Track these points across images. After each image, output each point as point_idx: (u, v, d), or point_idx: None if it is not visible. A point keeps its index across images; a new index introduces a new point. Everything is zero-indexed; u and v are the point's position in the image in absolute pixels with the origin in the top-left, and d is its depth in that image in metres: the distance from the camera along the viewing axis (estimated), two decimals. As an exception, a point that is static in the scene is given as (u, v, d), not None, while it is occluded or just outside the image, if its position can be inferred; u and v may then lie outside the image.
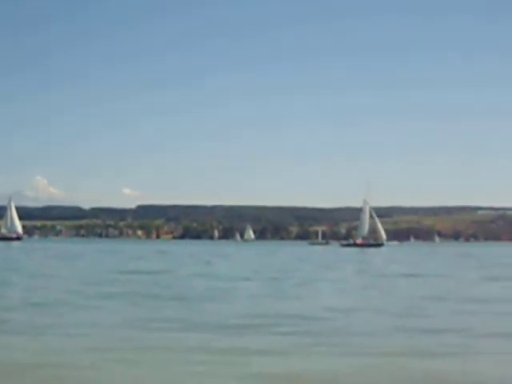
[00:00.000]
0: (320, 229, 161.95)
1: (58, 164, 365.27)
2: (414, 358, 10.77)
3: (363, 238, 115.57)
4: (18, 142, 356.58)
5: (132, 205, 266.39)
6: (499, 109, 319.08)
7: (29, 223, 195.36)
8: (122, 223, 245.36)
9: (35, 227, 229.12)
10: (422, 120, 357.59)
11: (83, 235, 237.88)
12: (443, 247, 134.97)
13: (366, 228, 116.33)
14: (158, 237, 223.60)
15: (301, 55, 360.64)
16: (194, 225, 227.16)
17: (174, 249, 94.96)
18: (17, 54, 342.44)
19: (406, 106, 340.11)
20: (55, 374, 9.29)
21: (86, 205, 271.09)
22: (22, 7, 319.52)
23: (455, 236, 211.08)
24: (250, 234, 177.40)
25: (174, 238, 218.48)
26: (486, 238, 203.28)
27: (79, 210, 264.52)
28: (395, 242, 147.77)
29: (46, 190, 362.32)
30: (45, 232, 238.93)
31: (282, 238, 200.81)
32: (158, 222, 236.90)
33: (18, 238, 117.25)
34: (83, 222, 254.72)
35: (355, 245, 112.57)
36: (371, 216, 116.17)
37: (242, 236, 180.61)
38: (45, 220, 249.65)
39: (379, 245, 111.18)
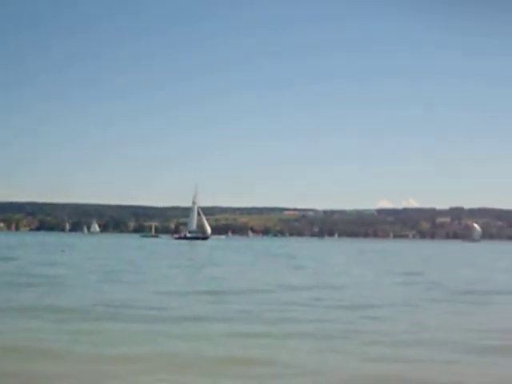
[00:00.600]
0: (153, 224, 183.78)
1: None
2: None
3: (192, 231, 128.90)
4: None
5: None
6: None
7: None
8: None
9: None
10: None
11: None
12: (257, 241, 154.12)
13: (194, 224, 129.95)
14: (17, 229, 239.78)
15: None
16: (49, 219, 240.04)
17: (29, 239, 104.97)
18: None
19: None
20: None
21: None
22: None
23: (265, 232, 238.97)
24: (96, 227, 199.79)
25: (31, 229, 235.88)
26: (291, 234, 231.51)
27: None
28: (220, 236, 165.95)
29: None
30: None
31: (121, 231, 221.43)
32: (18, 216, 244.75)
33: None
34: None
35: (185, 238, 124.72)
36: (198, 214, 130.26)
37: (88, 229, 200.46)
38: None
39: (205, 238, 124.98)
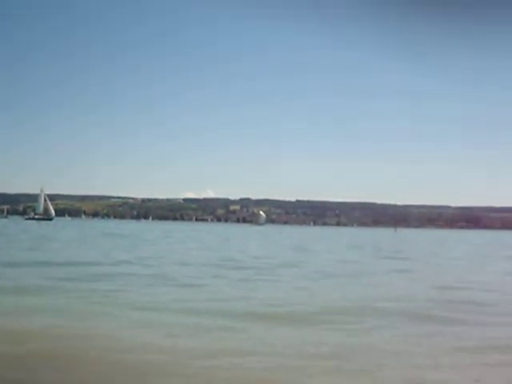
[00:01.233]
0: (5, 207, 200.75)
1: None
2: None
3: (39, 214, 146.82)
4: None
5: None
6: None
7: None
8: None
9: None
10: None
11: None
12: (89, 221, 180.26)
13: (41, 207, 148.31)
14: None
15: None
16: None
17: None
18: None
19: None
20: None
21: None
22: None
23: (95, 215, 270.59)
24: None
25: None
26: (115, 217, 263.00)
27: None
28: (66, 218, 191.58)
29: None
30: None
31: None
32: None
33: None
34: None
35: (34, 219, 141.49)
36: (45, 199, 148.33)
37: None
38: None
39: (50, 219, 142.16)
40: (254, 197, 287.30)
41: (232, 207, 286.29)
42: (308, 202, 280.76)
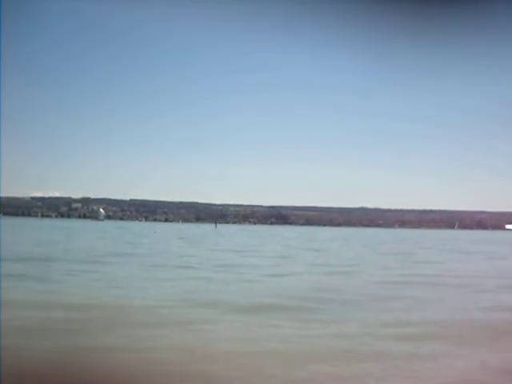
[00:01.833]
0: None
1: None
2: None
3: None
4: None
5: None
6: None
7: None
8: None
9: None
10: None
11: None
12: None
13: None
14: None
15: None
16: None
17: None
18: None
19: None
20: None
21: None
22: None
23: None
24: None
25: None
26: None
27: None
28: None
29: None
30: None
31: None
32: None
33: None
34: None
35: None
36: None
37: None
38: None
39: None
40: (93, 196, 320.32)
41: (74, 205, 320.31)
42: (141, 201, 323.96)
